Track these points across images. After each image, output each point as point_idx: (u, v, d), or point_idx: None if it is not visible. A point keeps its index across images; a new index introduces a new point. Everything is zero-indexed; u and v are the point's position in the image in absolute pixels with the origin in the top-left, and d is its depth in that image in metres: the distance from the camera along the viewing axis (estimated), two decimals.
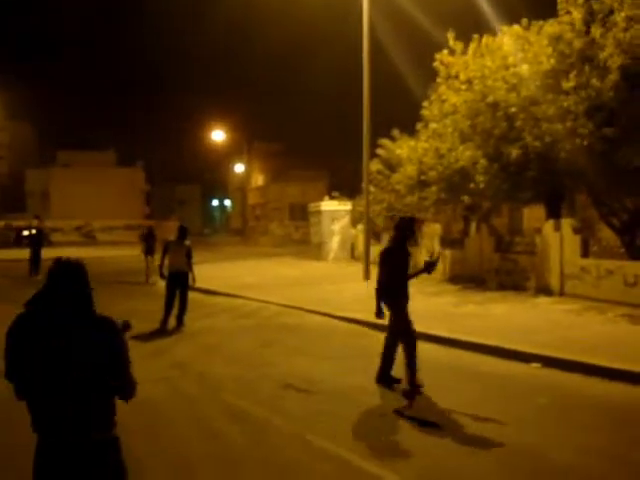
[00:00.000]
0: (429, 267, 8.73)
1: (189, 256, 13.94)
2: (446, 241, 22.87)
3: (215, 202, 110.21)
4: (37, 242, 26.72)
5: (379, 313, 8.64)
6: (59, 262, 3.39)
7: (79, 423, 3.24)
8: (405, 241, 8.65)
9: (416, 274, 8.89)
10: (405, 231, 8.67)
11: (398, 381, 8.62)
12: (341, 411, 7.71)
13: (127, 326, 3.57)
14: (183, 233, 14.14)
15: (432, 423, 7.08)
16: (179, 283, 13.85)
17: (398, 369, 8.70)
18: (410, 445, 6.57)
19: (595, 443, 6.56)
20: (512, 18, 18.96)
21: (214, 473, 6.08)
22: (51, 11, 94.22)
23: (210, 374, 9.77)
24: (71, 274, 3.35)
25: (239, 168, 74.13)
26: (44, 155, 79.36)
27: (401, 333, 8.52)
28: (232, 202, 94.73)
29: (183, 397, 8.60)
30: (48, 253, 42.67)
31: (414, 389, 8.31)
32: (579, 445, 6.50)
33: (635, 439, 6.75)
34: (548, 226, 17.38)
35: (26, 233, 58.51)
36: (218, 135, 65.36)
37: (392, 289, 8.53)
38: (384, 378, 8.75)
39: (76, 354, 3.22)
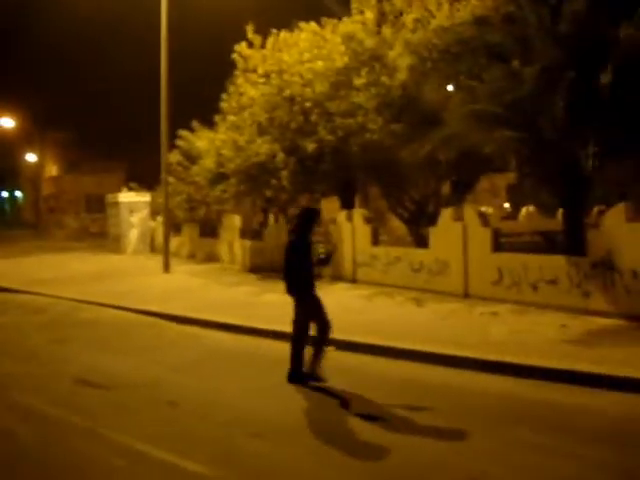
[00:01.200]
0: (327, 259, 8.72)
1: None
2: (246, 232, 23.16)
3: (5, 194, 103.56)
4: None
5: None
6: None
7: None
8: (308, 232, 8.54)
9: (318, 264, 8.91)
10: (308, 222, 8.59)
11: (312, 377, 8.29)
12: (137, 405, 7.66)
13: None
14: None
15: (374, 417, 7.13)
16: None
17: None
18: (202, 432, 6.67)
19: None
20: (312, 15, 19.54)
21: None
22: None
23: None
24: None
25: (31, 157, 70.23)
26: None
27: (315, 319, 8.41)
28: (24, 193, 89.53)
29: None
30: None
31: (313, 376, 8.28)
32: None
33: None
34: (341, 216, 18.13)
35: None
36: (5, 122, 61.45)
37: (299, 280, 8.46)
38: (297, 377, 8.41)
39: None
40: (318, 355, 8.33)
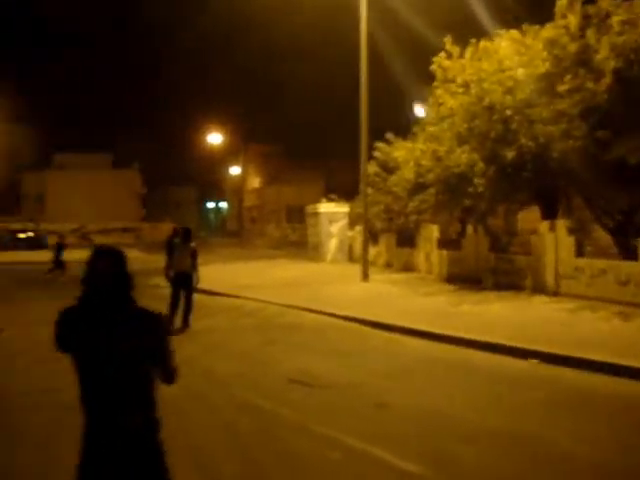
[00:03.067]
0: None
1: (194, 257, 14.18)
2: (443, 242, 23.18)
3: (211, 204, 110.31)
4: (60, 246, 27.18)
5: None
6: (98, 248, 3.68)
7: (124, 403, 3.47)
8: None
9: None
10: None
11: None
12: (345, 404, 7.99)
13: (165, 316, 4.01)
14: (187, 235, 14.40)
15: None
16: (183, 284, 14.08)
17: None
18: (407, 431, 6.85)
19: (591, 431, 6.85)
20: (510, 22, 19.29)
21: (227, 460, 6.34)
22: (50, 11, 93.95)
23: (216, 371, 10.05)
24: (110, 255, 3.60)
25: (235, 170, 74.42)
26: (40, 158, 79.44)
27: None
28: (228, 204, 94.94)
29: (191, 391, 8.86)
30: (43, 256, 42.96)
31: None
32: (576, 433, 6.78)
33: (630, 427, 7.04)
34: (544, 227, 17.69)
35: (22, 236, 58.90)
36: (214, 138, 65.64)
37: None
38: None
39: (119, 341, 3.44)
40: None
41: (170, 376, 3.84)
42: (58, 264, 26.47)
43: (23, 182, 76.45)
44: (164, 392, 8.46)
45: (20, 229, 60.47)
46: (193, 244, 14.33)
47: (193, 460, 6.25)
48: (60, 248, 27.06)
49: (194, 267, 14.16)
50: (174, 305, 13.94)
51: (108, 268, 3.53)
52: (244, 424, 7.36)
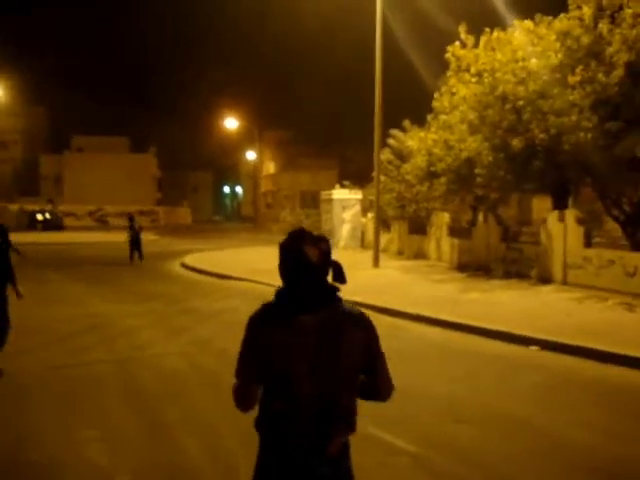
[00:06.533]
0: None
1: None
2: (454, 230, 23.42)
3: (226, 189, 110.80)
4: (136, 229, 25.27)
5: None
6: (301, 232, 3.04)
7: (324, 424, 2.85)
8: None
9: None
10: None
11: None
12: None
13: None
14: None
15: None
16: None
17: None
18: (406, 412, 7.15)
19: (589, 418, 7.11)
20: (524, 13, 19.38)
21: (237, 438, 6.64)
22: None
23: (232, 350, 10.34)
24: (320, 241, 2.98)
25: (251, 155, 74.74)
26: (58, 140, 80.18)
27: None
28: (243, 189, 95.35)
29: (203, 369, 9.23)
30: (62, 237, 43.51)
31: None
32: (573, 420, 7.06)
33: (626, 414, 7.30)
34: (552, 217, 17.88)
35: (40, 217, 59.65)
36: (231, 123, 65.94)
37: None
38: None
39: (329, 348, 2.86)
40: None
41: (384, 388, 3.15)
42: (134, 244, 25.09)
43: (42, 164, 77.12)
44: (175, 368, 8.79)
45: (38, 210, 61.20)
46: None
47: (199, 438, 6.59)
48: (133, 228, 25.29)
49: None
50: None
51: (319, 257, 2.90)
52: None
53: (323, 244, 2.93)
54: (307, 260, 2.86)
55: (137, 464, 5.89)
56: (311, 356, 2.81)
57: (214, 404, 7.57)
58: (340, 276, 3.02)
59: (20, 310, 9.95)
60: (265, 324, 2.90)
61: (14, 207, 62.01)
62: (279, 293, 2.94)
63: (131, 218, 26.06)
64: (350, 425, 2.96)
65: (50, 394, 8.04)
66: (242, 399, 3.03)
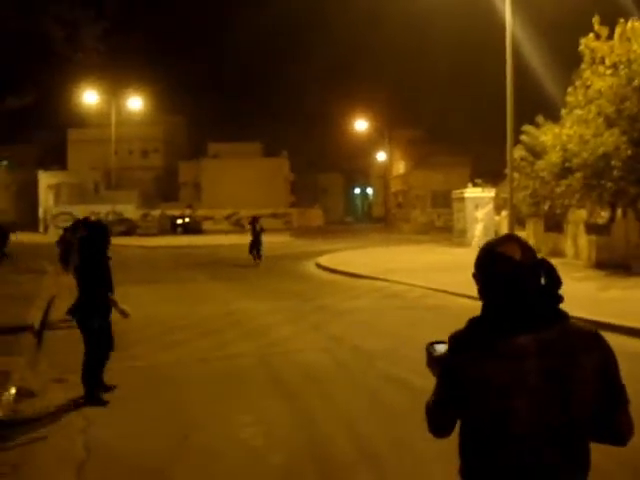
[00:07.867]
0: None
1: None
2: (592, 227, 22.79)
3: (357, 190, 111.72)
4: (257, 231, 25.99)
5: None
6: (509, 237, 2.55)
7: (551, 474, 2.33)
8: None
9: None
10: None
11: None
12: None
13: None
14: None
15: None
16: None
17: None
18: None
19: None
20: None
21: (377, 426, 6.97)
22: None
23: (363, 347, 10.74)
24: (527, 249, 2.44)
25: (381, 156, 75.11)
26: (196, 147, 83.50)
27: None
28: (374, 190, 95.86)
29: (340, 364, 9.62)
30: (200, 240, 45.50)
31: None
32: None
33: None
34: None
35: (180, 222, 62.47)
36: (360, 124, 66.60)
37: None
38: None
39: (555, 376, 2.32)
40: None
41: (627, 428, 2.43)
42: (255, 245, 25.80)
43: (181, 170, 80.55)
44: (315, 362, 9.22)
45: (178, 215, 64.09)
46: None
47: (343, 427, 6.96)
48: (255, 229, 25.96)
49: None
50: None
51: (534, 282, 2.38)
52: (388, 394, 8.00)
53: (522, 241, 2.47)
54: (517, 263, 2.36)
55: (289, 446, 6.33)
56: (531, 387, 2.31)
57: (353, 397, 7.95)
58: (555, 282, 2.40)
59: (167, 308, 10.70)
60: (470, 348, 2.41)
61: (156, 213, 65.11)
62: (486, 308, 2.47)
63: (254, 220, 27.06)
64: (584, 471, 2.38)
65: (203, 382, 8.71)
66: (437, 429, 2.65)
